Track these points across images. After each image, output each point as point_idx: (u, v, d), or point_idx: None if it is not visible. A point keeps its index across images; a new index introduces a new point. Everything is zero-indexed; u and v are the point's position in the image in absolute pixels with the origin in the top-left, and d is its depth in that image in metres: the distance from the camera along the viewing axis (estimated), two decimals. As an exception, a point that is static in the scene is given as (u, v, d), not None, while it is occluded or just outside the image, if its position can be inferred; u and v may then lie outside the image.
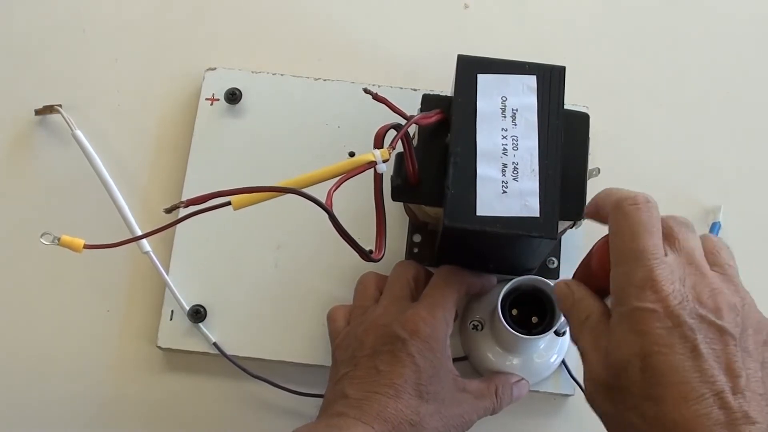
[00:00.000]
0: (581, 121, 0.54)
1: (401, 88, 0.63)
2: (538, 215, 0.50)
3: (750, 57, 0.67)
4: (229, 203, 0.46)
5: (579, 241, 0.60)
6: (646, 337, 0.39)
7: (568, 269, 0.59)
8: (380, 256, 0.47)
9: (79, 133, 0.62)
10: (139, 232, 0.60)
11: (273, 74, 0.65)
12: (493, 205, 0.50)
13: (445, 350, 0.52)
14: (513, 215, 0.50)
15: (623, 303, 0.40)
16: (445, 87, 0.56)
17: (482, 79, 0.53)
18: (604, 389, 0.40)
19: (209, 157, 0.63)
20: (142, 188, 0.63)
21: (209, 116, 0.64)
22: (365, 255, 0.46)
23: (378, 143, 0.48)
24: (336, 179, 0.46)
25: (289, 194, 0.44)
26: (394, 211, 0.60)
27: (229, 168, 0.62)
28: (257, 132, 0.63)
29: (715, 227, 0.59)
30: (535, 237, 0.49)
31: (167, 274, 0.59)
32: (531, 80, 0.53)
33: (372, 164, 0.46)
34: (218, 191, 0.45)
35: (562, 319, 0.56)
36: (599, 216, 0.46)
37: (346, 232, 0.45)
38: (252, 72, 0.65)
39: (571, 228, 0.57)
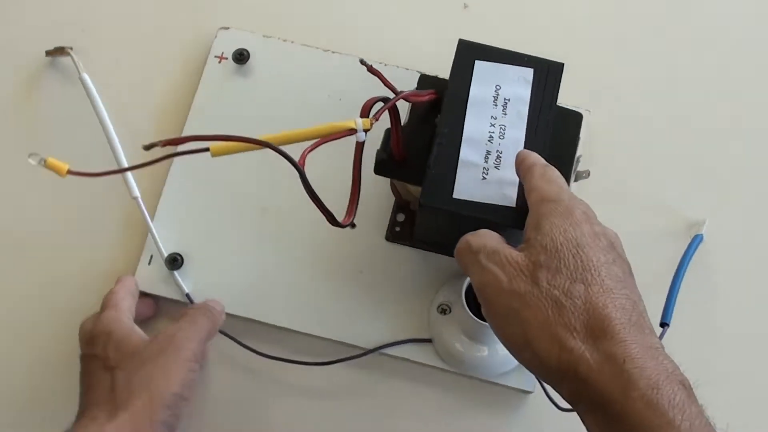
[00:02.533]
0: (574, 120, 0.54)
1: (407, 69, 0.63)
2: (513, 205, 0.50)
3: (750, 59, 0.67)
4: (208, 149, 0.46)
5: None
6: (579, 229, 0.42)
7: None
8: (348, 222, 0.48)
9: (85, 76, 0.63)
10: (131, 177, 0.61)
11: (284, 40, 0.65)
12: (470, 189, 0.50)
13: (120, 327, 0.53)
14: (489, 202, 0.50)
15: (557, 202, 0.44)
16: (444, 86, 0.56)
17: (479, 65, 0.53)
18: (524, 268, 0.42)
19: (210, 112, 0.64)
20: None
21: (216, 73, 0.64)
22: (332, 219, 0.47)
23: (364, 113, 0.49)
24: (314, 141, 0.46)
25: (283, 161, 0.44)
26: (383, 189, 0.60)
27: (228, 126, 0.63)
28: (260, 94, 0.64)
29: (696, 239, 0.59)
30: (507, 226, 0.50)
31: (152, 220, 0.61)
32: (528, 73, 0.53)
33: (352, 131, 0.47)
34: (196, 135, 0.45)
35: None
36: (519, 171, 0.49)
37: (315, 193, 0.45)
38: (264, 36, 0.65)
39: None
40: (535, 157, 0.48)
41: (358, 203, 0.49)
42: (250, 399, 0.58)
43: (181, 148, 0.46)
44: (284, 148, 0.45)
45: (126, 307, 0.56)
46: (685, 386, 0.38)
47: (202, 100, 0.64)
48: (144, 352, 0.51)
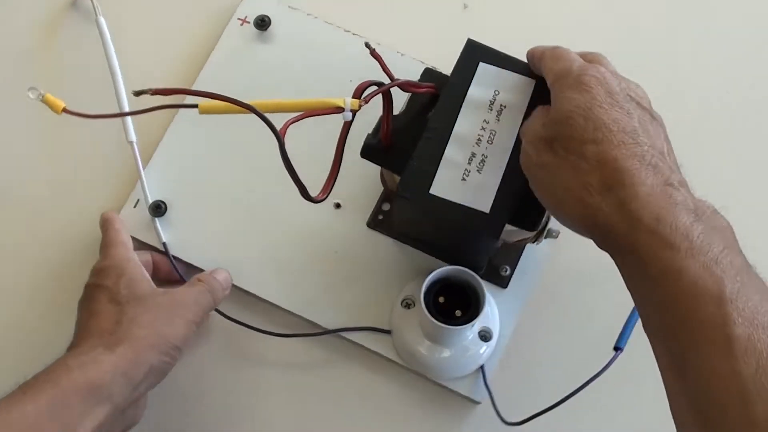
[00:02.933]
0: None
1: (422, 62, 0.63)
2: (487, 211, 0.50)
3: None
4: (197, 106, 0.47)
5: (540, 256, 0.60)
6: (589, 94, 0.45)
7: (522, 282, 0.59)
8: (321, 198, 0.48)
9: (101, 19, 0.64)
10: (130, 122, 0.62)
11: (308, 14, 0.66)
12: (448, 188, 0.50)
13: (133, 269, 0.54)
14: (464, 204, 0.50)
15: (567, 76, 0.46)
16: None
17: (483, 67, 0.53)
18: (545, 143, 0.46)
19: (222, 73, 0.64)
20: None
21: (235, 36, 0.65)
22: (305, 192, 0.47)
23: (356, 94, 0.49)
24: (300, 113, 0.47)
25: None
26: (373, 177, 0.60)
27: (236, 89, 0.61)
28: (274, 63, 0.64)
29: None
30: (477, 231, 0.49)
31: (145, 167, 0.61)
32: (530, 84, 0.52)
33: (339, 109, 0.47)
34: (185, 89, 0.46)
35: (487, 323, 0.57)
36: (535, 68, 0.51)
37: (291, 164, 0.45)
38: (289, 7, 0.66)
39: (533, 243, 0.57)
40: (543, 47, 0.51)
41: (335, 181, 0.49)
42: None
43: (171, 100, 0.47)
44: (273, 118, 0.45)
45: (132, 248, 0.57)
46: (694, 212, 0.41)
47: (217, 59, 0.65)
48: (155, 299, 0.53)
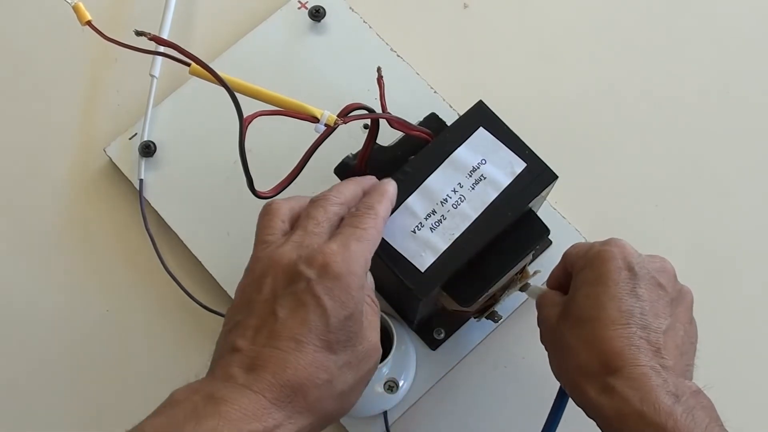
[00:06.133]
0: (538, 237, 0.52)
1: (435, 92, 0.62)
2: (422, 270, 0.49)
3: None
4: (189, 64, 0.48)
5: (480, 333, 0.58)
6: (600, 270, 0.46)
7: (453, 351, 0.58)
8: (265, 195, 0.48)
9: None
10: (159, 60, 0.63)
11: (364, 22, 0.66)
12: (396, 234, 0.49)
13: (360, 290, 0.43)
14: (404, 254, 0.49)
15: (591, 250, 0.47)
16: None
17: (481, 132, 0.51)
18: (557, 322, 0.47)
19: (259, 47, 0.65)
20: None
21: (287, 16, 0.66)
22: (251, 184, 0.47)
23: (341, 113, 0.49)
24: (275, 108, 0.47)
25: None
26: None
27: (264, 67, 0.64)
28: (309, 54, 0.65)
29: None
30: (405, 284, 0.49)
31: (156, 105, 0.63)
32: (519, 165, 0.51)
33: (314, 119, 0.47)
34: (180, 47, 0.46)
35: (397, 376, 0.55)
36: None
37: (244, 153, 0.46)
38: (350, 8, 0.66)
39: (474, 318, 0.56)
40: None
41: (288, 185, 0.49)
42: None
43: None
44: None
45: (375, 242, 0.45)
46: (674, 394, 0.42)
47: (262, 32, 0.65)
48: (370, 369, 0.44)
